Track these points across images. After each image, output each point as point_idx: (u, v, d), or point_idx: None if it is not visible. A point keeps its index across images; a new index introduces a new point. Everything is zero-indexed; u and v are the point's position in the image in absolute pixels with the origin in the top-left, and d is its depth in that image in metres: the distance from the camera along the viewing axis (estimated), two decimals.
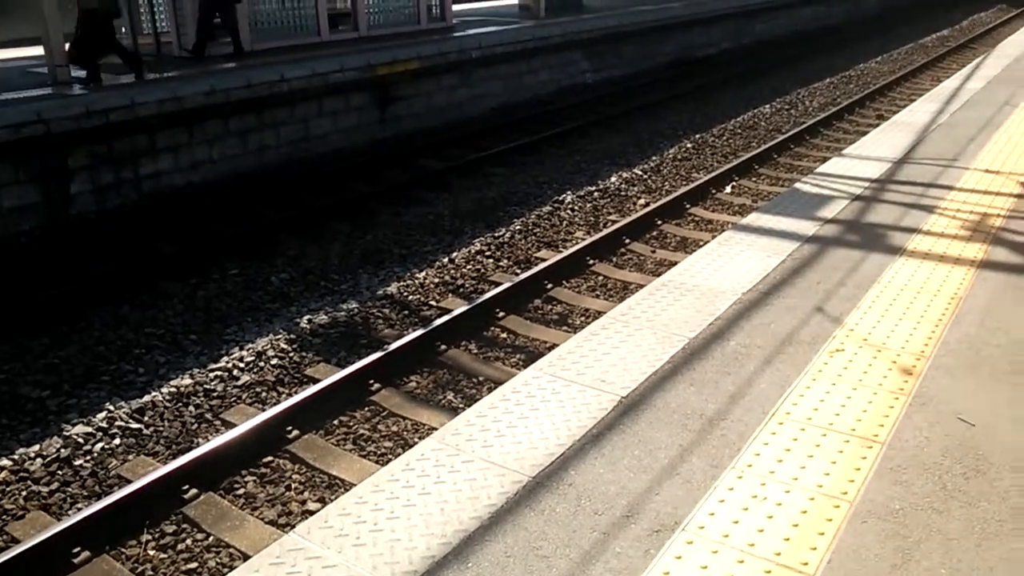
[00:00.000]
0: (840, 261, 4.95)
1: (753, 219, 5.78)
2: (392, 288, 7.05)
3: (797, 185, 6.63)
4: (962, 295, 4.40)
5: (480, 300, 6.43)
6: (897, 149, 7.52)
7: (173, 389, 5.54)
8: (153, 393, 5.51)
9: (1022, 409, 3.33)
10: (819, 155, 10.92)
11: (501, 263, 7.60)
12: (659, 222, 8.39)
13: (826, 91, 15.48)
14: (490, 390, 5.24)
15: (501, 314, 6.41)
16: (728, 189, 9.57)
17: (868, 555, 2.59)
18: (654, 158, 11.07)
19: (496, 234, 8.26)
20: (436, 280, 7.18)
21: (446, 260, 7.63)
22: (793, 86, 15.88)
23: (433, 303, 6.80)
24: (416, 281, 7.17)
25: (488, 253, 7.78)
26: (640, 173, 10.31)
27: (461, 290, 7.05)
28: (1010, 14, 26.79)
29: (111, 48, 10.33)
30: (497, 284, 6.94)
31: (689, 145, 11.68)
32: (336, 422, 5.14)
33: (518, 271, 7.36)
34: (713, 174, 9.75)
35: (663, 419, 3.36)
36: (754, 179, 10.02)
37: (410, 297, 6.89)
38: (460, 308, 6.32)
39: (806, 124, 12.31)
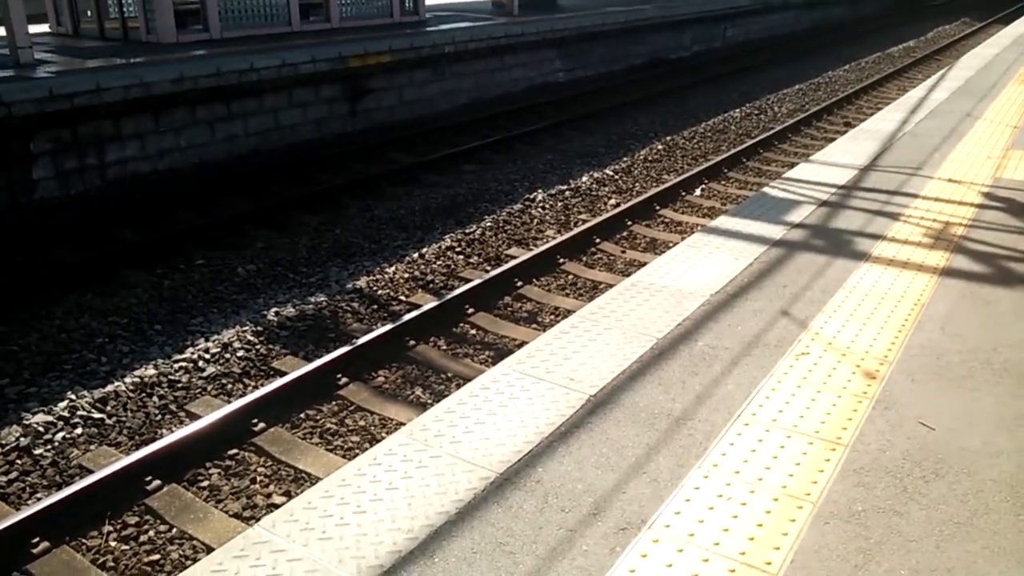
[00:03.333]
0: (806, 265, 5.01)
1: (722, 222, 5.83)
2: (361, 282, 7.01)
3: (765, 189, 6.70)
4: (924, 301, 4.48)
5: (450, 296, 6.42)
6: (863, 157, 7.63)
7: (137, 379, 5.47)
8: (116, 383, 5.43)
9: (980, 414, 3.40)
10: (787, 160, 11.06)
11: (471, 259, 7.60)
12: (629, 222, 8.44)
13: (795, 97, 15.66)
14: (459, 386, 5.24)
15: (471, 310, 6.41)
16: (698, 191, 9.65)
17: (830, 555, 2.63)
18: (625, 159, 11.13)
19: (467, 230, 8.25)
20: (406, 275, 7.16)
21: (416, 255, 7.61)
22: (762, 91, 16.05)
23: (402, 298, 6.78)
24: (385, 276, 7.14)
25: (458, 249, 7.77)
26: (611, 173, 10.36)
27: (431, 286, 7.03)
28: (974, 27, 27.30)
29: None
30: (467, 280, 6.94)
31: (660, 147, 11.76)
32: (303, 415, 5.11)
33: (488, 268, 7.36)
34: (683, 176, 9.83)
35: (631, 418, 3.38)
36: (723, 182, 10.11)
37: (379, 291, 6.87)
38: (430, 304, 6.30)
39: (775, 129, 12.44)
